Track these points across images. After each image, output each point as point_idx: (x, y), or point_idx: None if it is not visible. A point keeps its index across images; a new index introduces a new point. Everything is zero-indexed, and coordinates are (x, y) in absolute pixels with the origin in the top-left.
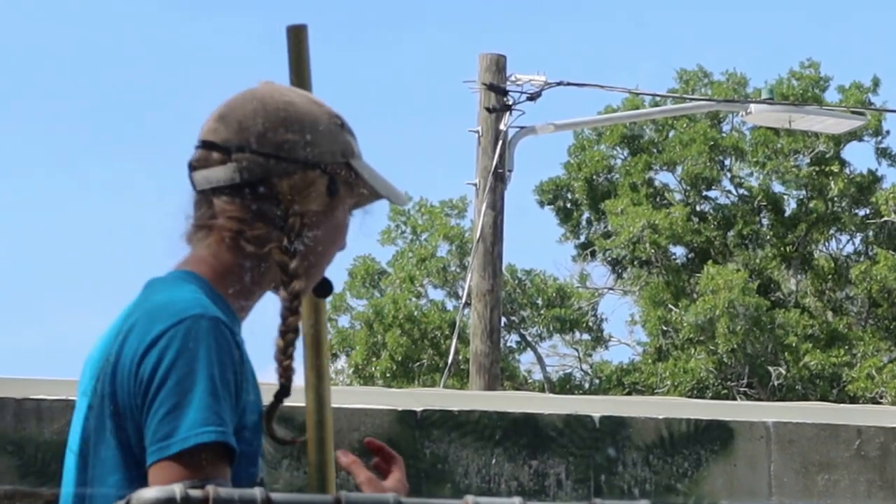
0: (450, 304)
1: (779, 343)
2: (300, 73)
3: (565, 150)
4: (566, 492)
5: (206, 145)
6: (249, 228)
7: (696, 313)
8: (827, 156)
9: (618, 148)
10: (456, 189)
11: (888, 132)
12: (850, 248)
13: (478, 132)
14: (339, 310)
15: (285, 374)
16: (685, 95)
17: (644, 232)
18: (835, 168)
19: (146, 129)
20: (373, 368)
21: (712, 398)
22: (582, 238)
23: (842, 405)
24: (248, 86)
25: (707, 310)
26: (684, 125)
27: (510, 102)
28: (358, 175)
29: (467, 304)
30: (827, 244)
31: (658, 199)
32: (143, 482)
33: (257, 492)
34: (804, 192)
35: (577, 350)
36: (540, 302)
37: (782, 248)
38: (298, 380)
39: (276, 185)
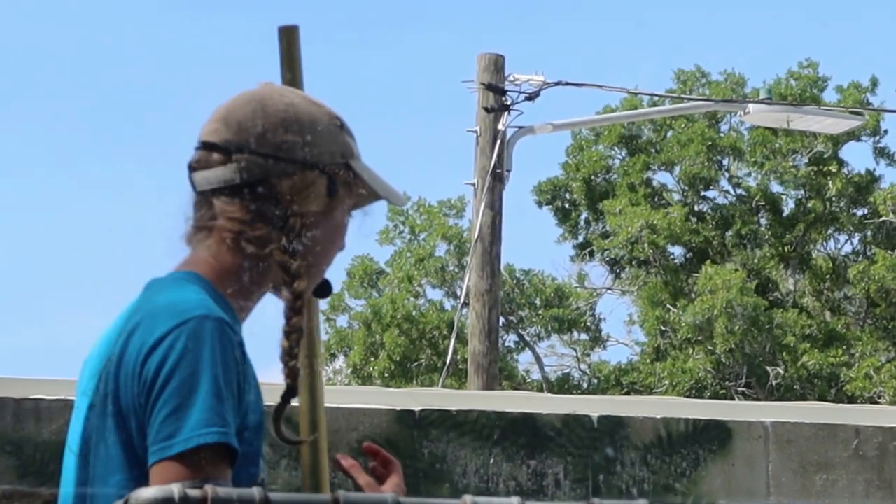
0: (448, 304)
1: (777, 343)
2: (292, 73)
3: (563, 150)
4: (564, 491)
5: (205, 146)
6: (250, 229)
7: (694, 313)
8: (825, 156)
9: (616, 148)
10: (454, 189)
11: (886, 132)
12: (848, 248)
13: (476, 132)
14: (337, 310)
15: (291, 374)
16: (684, 96)
17: (642, 232)
18: (833, 168)
19: (146, 129)
20: (371, 368)
21: (710, 398)
22: (580, 238)
23: (840, 405)
24: (249, 86)
25: (705, 310)
26: (682, 125)
27: (508, 102)
28: (357, 176)
29: (465, 304)
30: (825, 244)
31: (656, 199)
32: (144, 482)
33: (255, 491)
34: (802, 191)
35: (575, 350)
36: (538, 302)
37: (780, 248)
38: None
39: (276, 186)
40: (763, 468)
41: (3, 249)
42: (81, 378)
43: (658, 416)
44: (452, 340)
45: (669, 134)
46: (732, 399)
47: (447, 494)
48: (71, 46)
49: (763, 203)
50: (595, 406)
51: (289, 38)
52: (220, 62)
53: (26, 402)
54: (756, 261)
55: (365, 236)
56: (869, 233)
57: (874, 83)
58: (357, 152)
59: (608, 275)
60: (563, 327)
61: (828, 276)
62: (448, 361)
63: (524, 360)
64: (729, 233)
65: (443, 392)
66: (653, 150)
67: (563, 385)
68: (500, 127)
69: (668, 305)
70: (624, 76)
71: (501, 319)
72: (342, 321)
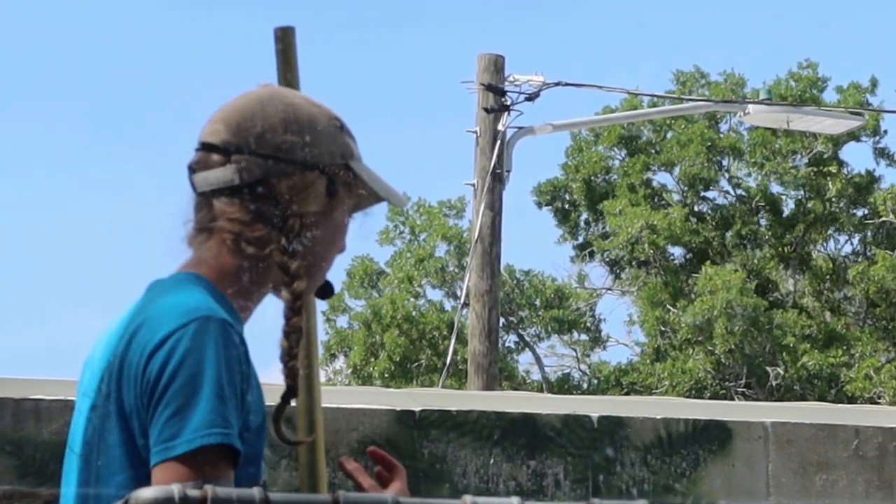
0: (448, 305)
1: (777, 343)
2: (288, 74)
3: (563, 150)
4: (564, 492)
5: (205, 147)
6: (249, 230)
7: (694, 314)
8: (825, 156)
9: (615, 149)
10: (454, 189)
11: (886, 132)
12: (848, 249)
13: (476, 132)
14: (337, 310)
15: (291, 374)
16: (684, 97)
17: (642, 232)
18: (833, 168)
19: (146, 129)
20: (371, 369)
21: (710, 398)
22: (580, 239)
23: (840, 405)
24: (248, 86)
25: (705, 310)
26: (682, 126)
27: (508, 103)
28: (356, 176)
29: (465, 305)
30: (825, 244)
31: (656, 200)
32: (146, 482)
33: (255, 491)
34: (802, 192)
35: (575, 350)
36: (538, 302)
37: (780, 249)
38: None
39: (276, 186)
40: (763, 468)
41: (3, 249)
42: (82, 379)
43: (658, 417)
44: (452, 341)
45: (669, 134)
46: (732, 399)
47: (447, 495)
48: (71, 46)
49: (763, 203)
50: (595, 406)
51: (285, 39)
52: (219, 62)
53: (26, 402)
54: (756, 261)
55: (365, 237)
56: (869, 233)
57: (874, 83)
58: (357, 153)
59: (608, 275)
60: (563, 328)
61: (828, 277)
62: (448, 362)
63: (524, 361)
64: (729, 233)
65: (443, 392)
66: (652, 151)
67: (563, 385)
68: (500, 127)
69: (668, 306)
70: (624, 77)
71: (501, 320)
72: (342, 321)
